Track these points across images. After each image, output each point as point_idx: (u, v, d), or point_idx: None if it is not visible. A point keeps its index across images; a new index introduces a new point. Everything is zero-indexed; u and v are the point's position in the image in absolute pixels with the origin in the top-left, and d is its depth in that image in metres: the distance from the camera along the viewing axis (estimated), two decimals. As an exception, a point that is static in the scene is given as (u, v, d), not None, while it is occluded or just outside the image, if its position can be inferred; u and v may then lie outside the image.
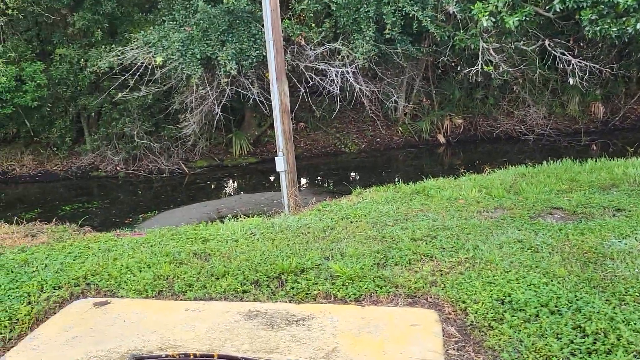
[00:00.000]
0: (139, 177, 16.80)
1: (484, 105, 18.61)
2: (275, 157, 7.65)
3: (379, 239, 5.84)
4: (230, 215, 13.09)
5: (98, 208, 14.09)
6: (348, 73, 13.17)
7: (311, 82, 13.56)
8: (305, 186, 15.47)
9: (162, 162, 16.95)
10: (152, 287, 5.04)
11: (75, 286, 5.10)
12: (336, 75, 13.13)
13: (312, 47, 13.39)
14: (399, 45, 14.29)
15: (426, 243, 5.60)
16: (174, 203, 14.47)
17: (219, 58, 12.65)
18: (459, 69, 17.00)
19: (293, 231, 6.29)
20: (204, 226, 7.03)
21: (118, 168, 17.00)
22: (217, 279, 5.12)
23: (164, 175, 16.78)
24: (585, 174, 7.95)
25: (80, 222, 10.97)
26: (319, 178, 16.80)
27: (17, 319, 4.53)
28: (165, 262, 5.54)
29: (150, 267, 5.47)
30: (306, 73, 13.53)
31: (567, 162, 9.12)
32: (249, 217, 12.64)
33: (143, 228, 12.37)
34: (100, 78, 15.50)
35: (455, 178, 9.03)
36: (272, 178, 17.16)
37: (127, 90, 14.06)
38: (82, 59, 15.30)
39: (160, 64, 12.52)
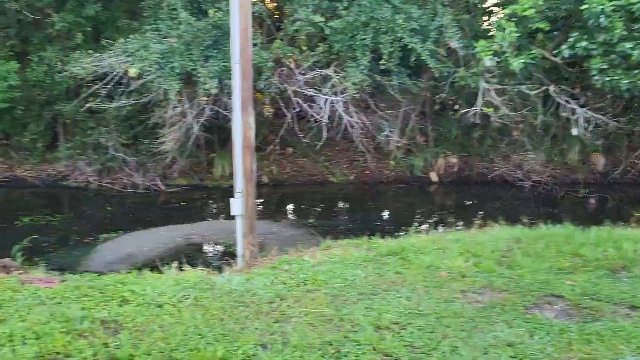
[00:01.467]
0: (111, 191, 15.49)
1: (480, 145, 17.41)
2: (231, 199, 6.38)
3: (336, 322, 4.55)
4: (200, 245, 11.84)
5: (61, 222, 12.76)
6: (338, 102, 11.98)
7: (298, 109, 12.37)
8: (284, 217, 14.19)
9: (138, 178, 15.65)
10: (27, 373, 3.74)
11: None
12: (325, 103, 11.94)
13: (303, 72, 12.21)
14: (395, 77, 13.12)
15: (393, 336, 4.31)
16: (142, 223, 13.13)
17: (199, 75, 11.44)
18: (457, 107, 15.84)
19: (234, 299, 5.00)
20: (133, 277, 5.72)
21: (90, 179, 15.70)
22: (114, 369, 3.83)
23: (138, 191, 15.46)
24: (590, 247, 6.67)
25: (26, 239, 9.71)
26: (301, 208, 15.53)
27: None
28: (60, 332, 4.24)
29: (38, 339, 4.17)
30: (293, 98, 12.33)
31: (569, 227, 7.84)
32: (220, 245, 11.39)
33: (98, 251, 11.06)
34: (78, 84, 14.29)
35: (440, 235, 7.79)
36: (252, 204, 15.89)
37: (102, 99, 12.84)
38: (61, 63, 14.09)
39: (135, 75, 11.31)
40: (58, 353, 4.02)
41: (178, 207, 14.85)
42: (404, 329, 4.45)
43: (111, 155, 15.16)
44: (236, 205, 6.26)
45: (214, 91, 11.24)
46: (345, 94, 11.95)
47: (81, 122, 15.24)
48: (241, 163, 6.25)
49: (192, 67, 11.53)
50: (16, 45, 15.05)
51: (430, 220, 14.33)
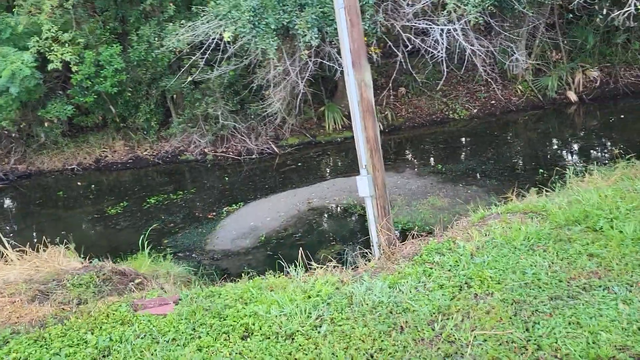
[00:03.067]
0: (227, 160, 14.90)
1: (625, 52, 14.47)
2: (357, 178, 5.04)
3: (532, 352, 3.15)
4: (322, 210, 10.81)
5: (182, 199, 12.33)
6: (456, 30, 10.02)
7: (410, 46, 10.60)
8: (407, 165, 12.70)
9: (251, 143, 14.88)
10: None
11: None
12: (441, 35, 10.04)
13: (410, 2, 10.34)
14: (520, -12, 10.81)
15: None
16: (261, 190, 12.37)
17: (296, 27, 10.02)
18: (596, 8, 13.02)
19: (382, 319, 3.74)
20: (255, 289, 4.63)
21: (206, 151, 15.20)
22: None
23: (253, 156, 14.72)
24: None
25: (150, 226, 9.21)
26: (424, 152, 13.91)
27: None
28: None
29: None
30: (404, 34, 10.56)
31: None
32: (343, 210, 10.25)
33: (223, 227, 10.41)
34: (178, 57, 13.53)
35: (621, 177, 5.91)
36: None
37: (203, 69, 11.93)
38: (158, 38, 13.35)
39: (230, 39, 10.16)
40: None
41: (294, 168, 13.91)
42: (640, 361, 2.93)
43: (222, 124, 14.45)
44: (363, 184, 4.92)
45: (314, 42, 9.81)
46: (463, 20, 9.95)
47: (188, 95, 14.61)
48: (361, 131, 4.86)
49: (287, 20, 10.14)
50: (117, 27, 14.55)
51: (583, 152, 12.12)
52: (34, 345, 3.97)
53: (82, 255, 7.56)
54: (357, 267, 4.94)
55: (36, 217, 12.83)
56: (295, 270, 4.98)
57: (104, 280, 5.36)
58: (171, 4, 13.12)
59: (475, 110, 15.15)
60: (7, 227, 12.37)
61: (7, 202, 14.45)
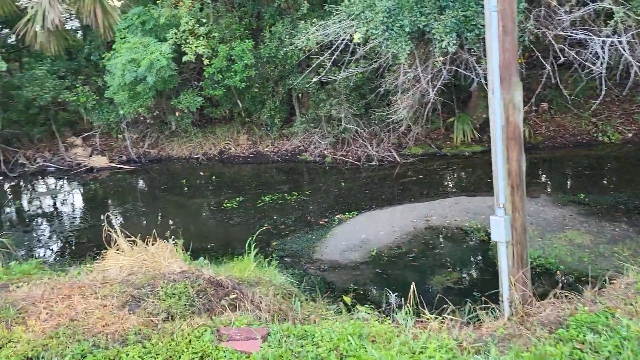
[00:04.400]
0: (345, 164, 14.37)
1: None
2: (491, 217, 4.13)
3: None
4: (441, 230, 9.85)
5: (296, 201, 11.99)
6: (621, 43, 8.51)
7: (562, 58, 9.23)
8: (542, 190, 11.26)
9: (371, 149, 14.21)
10: None
11: None
12: (602, 48, 8.59)
13: (568, 9, 8.98)
14: None
15: None
16: (377, 201, 11.66)
17: (433, 31, 9.12)
18: None
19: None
20: (355, 342, 3.90)
21: (325, 153, 14.79)
22: None
23: (373, 163, 14.04)
24: None
25: (260, 227, 8.87)
26: (564, 178, 12.30)
27: None
28: None
29: None
30: (556, 45, 9.22)
31: None
32: (464, 233, 9.23)
33: (333, 236, 9.85)
34: (307, 55, 13.20)
35: None
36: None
37: (330, 69, 11.45)
38: (290, 35, 13.12)
39: (360, 41, 9.53)
40: None
41: (415, 180, 13.00)
42: None
43: (344, 127, 13.94)
44: (498, 227, 4.00)
45: (452, 49, 8.84)
46: (632, 32, 8.41)
47: (313, 94, 14.27)
48: (503, 162, 3.94)
49: (424, 23, 9.26)
50: (252, 23, 14.60)
51: None
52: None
53: (190, 251, 7.38)
54: (480, 324, 4.04)
55: (160, 202, 13.23)
56: (404, 316, 4.20)
57: (198, 292, 4.97)
58: (305, 2, 12.81)
59: (630, 135, 13.16)
60: (133, 210, 12.87)
61: (139, 184, 15.13)
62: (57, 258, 9.90)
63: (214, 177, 14.65)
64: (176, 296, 4.77)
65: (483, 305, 4.35)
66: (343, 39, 10.15)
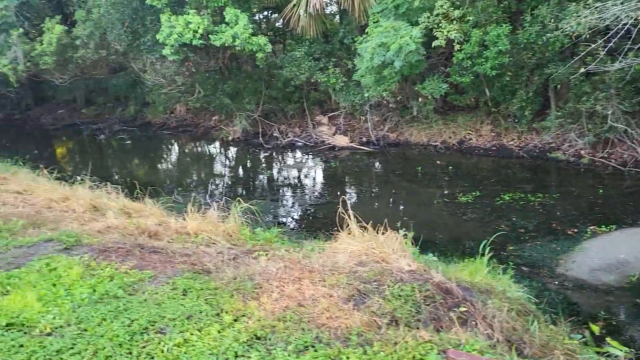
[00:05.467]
0: (606, 168, 12.39)
1: None
2: None
3: None
4: None
5: (541, 203, 10.75)
6: None
7: None
8: None
9: (643, 153, 11.96)
10: None
11: None
12: None
13: None
14: None
15: None
16: (640, 216, 9.80)
17: None
18: None
19: None
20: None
21: (582, 153, 12.95)
22: None
23: (642, 170, 11.83)
24: None
25: (492, 237, 8.07)
26: None
27: None
28: None
29: None
30: None
31: None
32: None
33: (583, 250, 8.50)
34: (574, 42, 11.57)
35: None
36: None
37: (601, 59, 9.79)
38: (554, 20, 11.64)
39: (650, 24, 7.82)
40: None
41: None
42: None
43: (610, 125, 11.95)
44: None
45: None
46: None
47: (575, 86, 12.53)
48: None
49: None
50: (511, 5, 13.39)
51: None
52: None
53: (419, 243, 7.07)
54: None
55: (394, 187, 13.20)
56: None
57: (425, 298, 4.57)
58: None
59: None
60: (367, 192, 13.09)
61: (376, 166, 15.39)
62: (296, 229, 10.54)
63: (450, 167, 14.05)
64: (402, 299, 4.45)
65: None
66: (625, 24, 8.49)
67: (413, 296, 4.49)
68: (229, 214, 7.93)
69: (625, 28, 8.60)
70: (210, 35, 14.81)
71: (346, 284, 4.57)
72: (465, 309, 4.70)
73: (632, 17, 8.58)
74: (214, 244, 6.92)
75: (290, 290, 4.35)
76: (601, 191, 11.22)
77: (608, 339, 6.16)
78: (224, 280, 4.51)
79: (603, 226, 9.28)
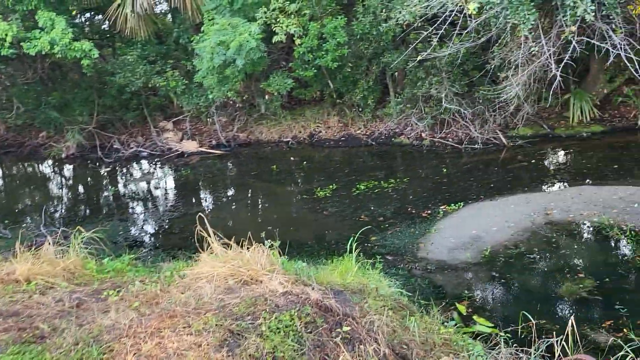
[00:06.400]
0: (445, 148, 13.07)
1: None
2: None
3: None
4: (565, 226, 8.43)
5: (394, 189, 10.92)
6: None
7: None
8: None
9: (474, 130, 12.78)
10: None
11: None
12: None
13: None
14: None
15: None
16: (485, 190, 10.38)
17: (566, -4, 7.59)
18: None
19: None
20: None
21: (423, 135, 13.52)
22: None
23: (476, 146, 12.65)
24: None
25: (360, 230, 7.86)
26: None
27: None
28: None
29: None
30: None
31: None
32: (594, 231, 7.92)
33: (438, 231, 8.71)
34: (405, 31, 11.91)
35: None
36: (627, 158, 11.37)
37: (432, 46, 10.13)
38: (385, 9, 11.86)
39: (474, 11, 8.15)
40: None
41: (526, 166, 11.53)
42: None
43: (444, 107, 12.59)
44: None
45: (589, 17, 7.29)
46: None
47: (410, 73, 12.98)
48: None
49: (554, -13, 7.76)
50: (342, -3, 13.49)
51: None
52: None
53: (286, 247, 6.61)
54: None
55: (251, 189, 12.62)
56: None
57: (306, 324, 4.09)
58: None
59: None
60: (223, 198, 12.35)
61: (228, 169, 14.64)
62: (151, 249, 9.48)
63: (304, 162, 13.84)
64: (281, 332, 3.92)
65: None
66: (451, 11, 8.80)
67: (293, 326, 3.98)
68: (69, 244, 6.70)
69: (453, 15, 8.92)
70: (22, 44, 12.83)
71: (216, 326, 3.91)
72: (348, 327, 4.31)
73: (456, 4, 8.91)
74: (52, 288, 5.75)
75: (149, 348, 3.58)
76: (445, 170, 11.76)
77: (475, 317, 6.27)
78: (62, 349, 3.58)
79: (452, 204, 9.63)
